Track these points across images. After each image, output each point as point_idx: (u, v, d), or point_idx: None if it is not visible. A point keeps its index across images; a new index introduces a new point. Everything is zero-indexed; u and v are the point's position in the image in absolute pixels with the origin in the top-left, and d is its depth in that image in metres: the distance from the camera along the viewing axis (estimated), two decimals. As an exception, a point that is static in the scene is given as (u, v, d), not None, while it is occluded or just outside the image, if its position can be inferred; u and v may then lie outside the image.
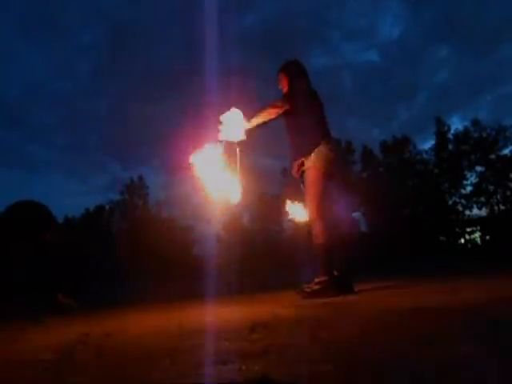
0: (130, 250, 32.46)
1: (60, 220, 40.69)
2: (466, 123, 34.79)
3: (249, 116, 3.17)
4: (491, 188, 31.58)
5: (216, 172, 2.98)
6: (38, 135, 74.30)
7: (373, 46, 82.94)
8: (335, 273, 3.08)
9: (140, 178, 39.92)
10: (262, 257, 33.21)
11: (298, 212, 3.71)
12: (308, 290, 3.05)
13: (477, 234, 31.14)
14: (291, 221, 3.47)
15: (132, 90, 73.10)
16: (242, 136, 3.08)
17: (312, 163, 3.15)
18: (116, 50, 78.10)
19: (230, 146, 3.06)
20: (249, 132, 3.18)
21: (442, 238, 31.76)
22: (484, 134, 31.87)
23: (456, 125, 71.18)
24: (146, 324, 2.42)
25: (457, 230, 31.92)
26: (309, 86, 3.44)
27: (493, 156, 31.58)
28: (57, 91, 76.91)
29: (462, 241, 31.64)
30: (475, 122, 32.52)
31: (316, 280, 3.05)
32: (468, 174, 32.49)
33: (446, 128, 33.48)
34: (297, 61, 3.58)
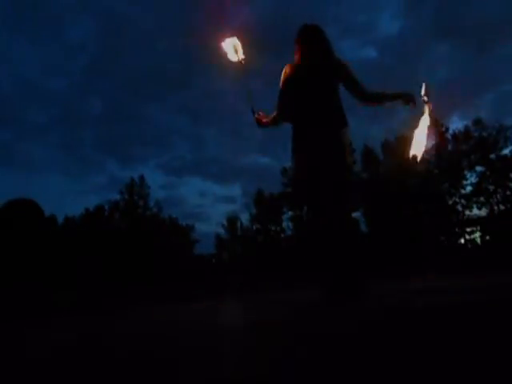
0: (129, 250, 32.45)
1: (60, 220, 40.68)
2: (466, 122, 34.70)
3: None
4: (491, 188, 31.56)
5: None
6: (32, 134, 74.04)
7: (371, 43, 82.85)
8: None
9: (141, 177, 39.89)
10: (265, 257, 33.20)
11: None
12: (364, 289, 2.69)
13: (477, 234, 31.13)
14: None
15: (129, 88, 72.78)
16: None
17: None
18: (111, 46, 77.80)
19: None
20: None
21: (442, 237, 31.76)
22: (484, 134, 31.84)
23: (456, 124, 70.94)
24: (145, 323, 2.42)
25: (457, 230, 31.91)
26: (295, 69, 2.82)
27: (493, 156, 31.55)
28: (51, 89, 76.78)
29: (462, 241, 31.62)
30: (477, 121, 32.45)
31: (364, 277, 2.71)
32: (468, 174, 32.48)
33: (444, 129, 33.48)
34: (299, 30, 2.92)
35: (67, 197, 77.65)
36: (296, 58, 2.90)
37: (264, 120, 3.14)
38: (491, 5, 55.38)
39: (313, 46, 2.82)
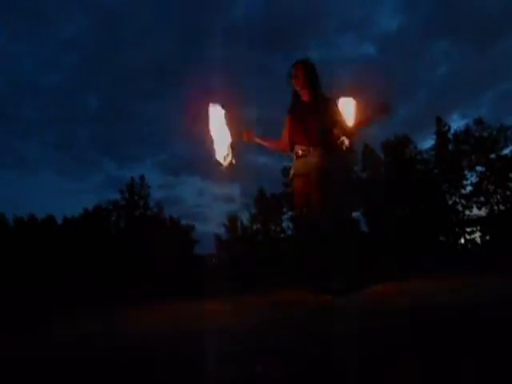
0: (129, 251, 32.42)
1: (59, 220, 40.62)
2: (467, 120, 34.65)
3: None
4: (491, 188, 31.51)
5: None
6: (26, 132, 73.76)
7: (370, 38, 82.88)
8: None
9: (141, 177, 39.80)
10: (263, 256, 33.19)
11: None
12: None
13: (477, 234, 31.09)
14: None
15: (125, 85, 72.40)
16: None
17: None
18: (108, 43, 77.40)
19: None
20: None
21: (441, 238, 31.73)
22: (485, 134, 31.76)
23: (456, 122, 70.80)
24: (144, 325, 2.42)
25: (457, 230, 31.87)
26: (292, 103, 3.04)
27: (493, 156, 31.50)
28: (46, 87, 76.37)
29: (462, 241, 31.59)
30: (478, 121, 32.34)
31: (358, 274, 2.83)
32: (468, 174, 32.44)
33: (446, 128, 33.41)
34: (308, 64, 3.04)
35: (64, 196, 77.48)
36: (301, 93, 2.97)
37: (264, 142, 3.16)
38: (491, 2, 55.18)
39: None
